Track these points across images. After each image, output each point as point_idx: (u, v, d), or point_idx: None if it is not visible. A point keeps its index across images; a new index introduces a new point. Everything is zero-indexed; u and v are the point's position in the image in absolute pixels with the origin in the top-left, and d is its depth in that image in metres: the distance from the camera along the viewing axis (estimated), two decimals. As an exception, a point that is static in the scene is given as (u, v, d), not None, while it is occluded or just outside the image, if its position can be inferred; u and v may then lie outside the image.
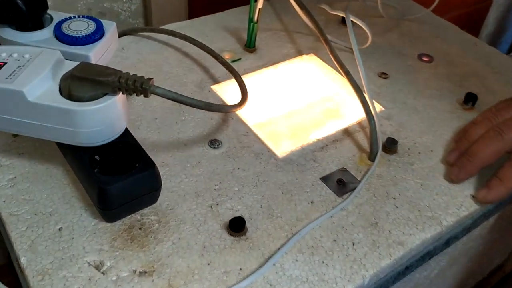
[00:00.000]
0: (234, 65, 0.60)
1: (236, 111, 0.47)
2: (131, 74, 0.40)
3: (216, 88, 0.57)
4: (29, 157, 0.47)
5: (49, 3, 0.78)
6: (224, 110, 0.45)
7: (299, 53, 0.65)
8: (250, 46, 0.63)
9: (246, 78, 0.57)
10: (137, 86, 0.39)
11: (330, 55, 0.57)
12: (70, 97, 0.40)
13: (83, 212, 0.42)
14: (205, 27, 0.68)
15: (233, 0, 0.86)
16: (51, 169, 0.46)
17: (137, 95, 0.40)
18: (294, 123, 0.55)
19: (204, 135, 0.51)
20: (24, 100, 0.39)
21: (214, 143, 0.50)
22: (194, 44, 0.60)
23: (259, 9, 0.60)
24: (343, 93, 0.60)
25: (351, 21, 0.60)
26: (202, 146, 0.50)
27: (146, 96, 0.39)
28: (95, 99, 0.40)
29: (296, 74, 0.63)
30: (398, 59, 0.65)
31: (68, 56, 0.47)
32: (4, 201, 0.43)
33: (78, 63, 0.42)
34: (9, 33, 0.48)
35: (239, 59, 0.62)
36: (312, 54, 0.64)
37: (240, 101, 0.47)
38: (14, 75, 0.40)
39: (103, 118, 0.40)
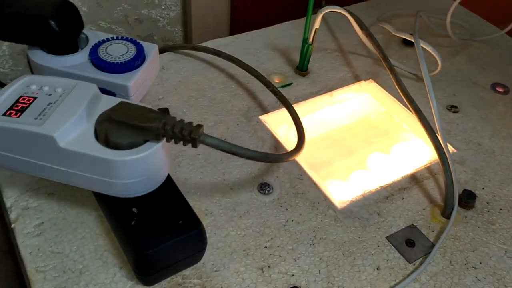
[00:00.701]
0: (284, 91, 0.54)
1: (293, 159, 0.41)
2: (178, 119, 0.34)
3: (264, 119, 0.51)
4: (59, 199, 0.42)
5: (84, 9, 0.73)
6: (281, 160, 0.39)
7: (356, 78, 0.58)
8: (302, 69, 0.57)
9: (298, 107, 0.51)
10: (185, 135, 0.33)
11: (396, 87, 0.50)
12: (106, 142, 0.34)
13: (117, 271, 0.37)
14: (251, 45, 0.61)
15: (281, 14, 0.80)
16: (82, 215, 0.41)
17: (184, 145, 0.34)
18: (353, 164, 0.48)
19: (252, 176, 0.45)
20: (55, 145, 0.33)
21: (264, 188, 0.44)
22: (241, 67, 0.53)
23: (316, 29, 0.53)
24: (408, 129, 0.53)
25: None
26: (251, 191, 0.44)
27: (194, 146, 0.33)
28: (135, 146, 0.34)
29: (353, 104, 0.56)
30: (468, 89, 0.58)
31: (104, 85, 0.42)
32: (30, 253, 0.38)
33: (117, 101, 0.36)
34: (40, 56, 0.43)
35: (290, 83, 0.56)
36: (371, 80, 0.57)
37: (297, 146, 0.41)
38: (44, 115, 0.34)
39: (144, 169, 0.34)
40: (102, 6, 0.74)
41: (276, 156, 0.38)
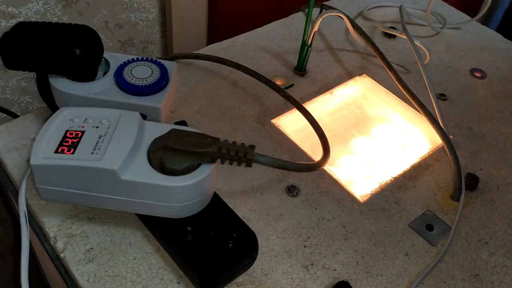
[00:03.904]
0: (288, 92, 0.57)
1: (327, 163, 0.44)
2: (230, 141, 0.36)
3: (277, 122, 0.54)
4: (101, 223, 0.43)
5: (64, 19, 0.72)
6: (319, 166, 0.42)
7: (350, 74, 0.61)
8: (301, 69, 0.60)
9: (308, 108, 0.54)
10: (241, 157, 0.35)
11: (397, 83, 0.54)
12: (162, 169, 0.36)
13: (175, 286, 0.39)
14: (247, 48, 0.63)
15: (257, 10, 0.82)
16: (128, 236, 0.42)
17: (238, 165, 0.36)
18: (364, 158, 0.53)
19: (278, 180, 0.48)
20: (116, 178, 0.35)
21: (292, 190, 0.47)
22: (249, 74, 0.55)
23: (315, 32, 0.56)
24: (405, 120, 0.58)
25: (399, 36, 0.58)
26: (280, 195, 0.47)
27: (249, 166, 0.36)
28: (190, 170, 0.36)
29: (353, 101, 0.60)
30: (451, 76, 0.63)
31: (134, 108, 0.43)
32: (87, 280, 0.39)
33: (164, 127, 0.38)
34: (66, 85, 0.43)
35: (292, 84, 0.59)
36: (364, 75, 0.61)
37: (326, 151, 0.44)
38: (99, 149, 0.36)
39: (201, 190, 0.37)
40: (82, 15, 0.72)
41: (315, 164, 0.41)
